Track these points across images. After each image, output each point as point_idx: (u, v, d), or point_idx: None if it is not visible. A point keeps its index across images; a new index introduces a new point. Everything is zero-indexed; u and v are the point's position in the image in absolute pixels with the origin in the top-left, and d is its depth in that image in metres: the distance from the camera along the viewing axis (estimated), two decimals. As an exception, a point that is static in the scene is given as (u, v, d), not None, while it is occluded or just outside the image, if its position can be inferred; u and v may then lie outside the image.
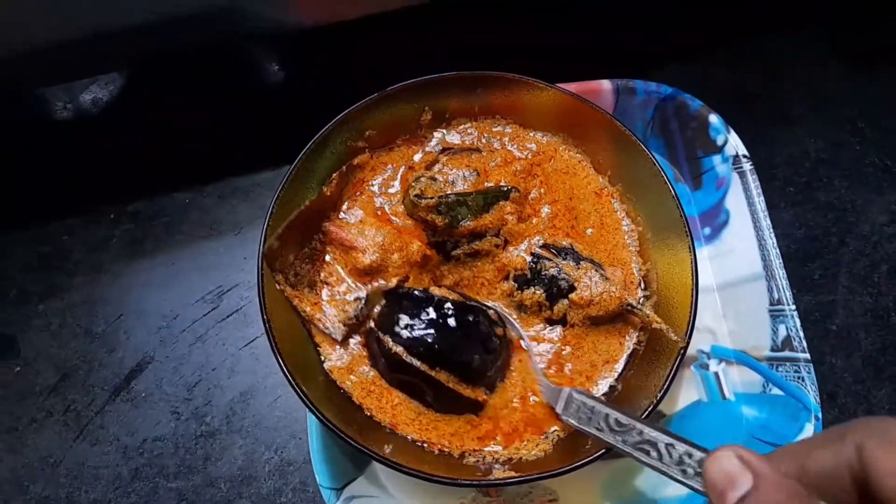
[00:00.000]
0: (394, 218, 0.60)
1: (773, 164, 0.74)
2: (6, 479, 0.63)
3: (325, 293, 0.58)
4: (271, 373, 0.53)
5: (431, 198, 0.58)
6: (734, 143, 0.68)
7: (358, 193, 0.62)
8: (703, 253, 0.68)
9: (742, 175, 0.68)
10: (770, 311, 0.63)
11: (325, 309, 0.57)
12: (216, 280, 0.70)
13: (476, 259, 0.60)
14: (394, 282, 0.57)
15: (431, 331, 0.53)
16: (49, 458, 0.64)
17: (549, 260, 0.57)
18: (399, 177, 0.63)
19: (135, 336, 0.68)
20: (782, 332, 0.62)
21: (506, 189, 0.59)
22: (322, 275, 0.59)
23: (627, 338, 0.58)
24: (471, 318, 0.55)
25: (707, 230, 0.69)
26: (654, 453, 0.44)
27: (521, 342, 0.58)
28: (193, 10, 0.62)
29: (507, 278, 0.59)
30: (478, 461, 0.53)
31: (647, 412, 0.51)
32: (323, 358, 0.56)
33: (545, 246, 0.59)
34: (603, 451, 0.49)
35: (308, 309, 0.56)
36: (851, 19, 0.85)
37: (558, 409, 0.52)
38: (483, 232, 0.59)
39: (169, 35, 0.65)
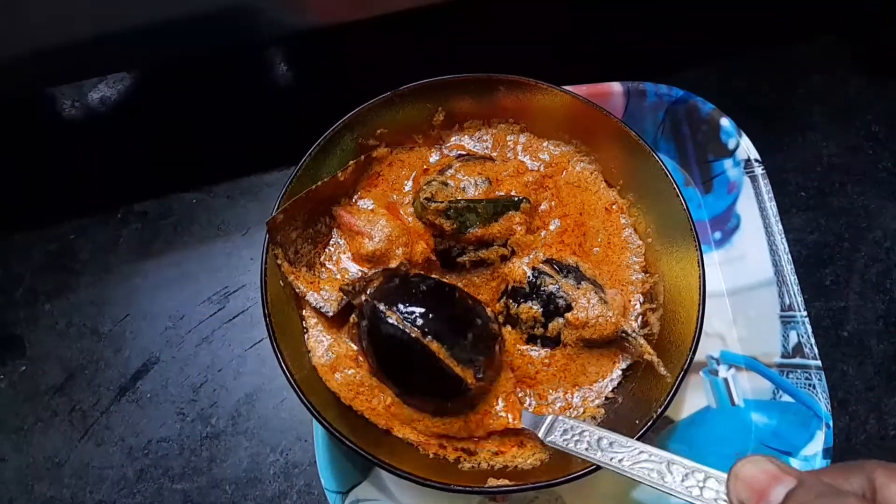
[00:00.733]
0: (404, 216, 0.60)
1: (785, 169, 0.74)
2: (11, 478, 0.63)
3: (324, 275, 0.58)
4: (277, 374, 0.52)
5: (441, 202, 0.57)
6: (746, 147, 0.68)
7: (373, 186, 0.62)
8: (713, 258, 0.67)
9: (754, 179, 0.67)
10: (781, 316, 0.63)
11: (321, 288, 0.57)
12: (223, 281, 0.70)
13: (480, 268, 0.59)
14: (394, 264, 0.57)
15: (430, 303, 0.52)
16: (54, 458, 0.64)
17: (550, 276, 0.57)
18: (412, 177, 0.62)
19: (141, 336, 0.68)
20: (793, 338, 0.61)
21: (516, 199, 0.59)
22: (322, 258, 0.59)
23: (620, 362, 0.57)
24: (470, 302, 0.54)
25: (718, 234, 0.68)
26: (654, 473, 0.44)
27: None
28: (204, 13, 0.62)
29: (505, 291, 0.59)
30: (473, 467, 0.53)
31: (643, 429, 0.50)
32: (310, 354, 0.56)
33: (549, 261, 0.58)
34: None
35: (303, 287, 0.56)
36: (867, 26, 0.84)
37: (540, 435, 0.51)
38: (490, 241, 0.58)
39: (179, 37, 0.65)
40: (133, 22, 0.62)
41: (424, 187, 0.59)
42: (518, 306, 0.57)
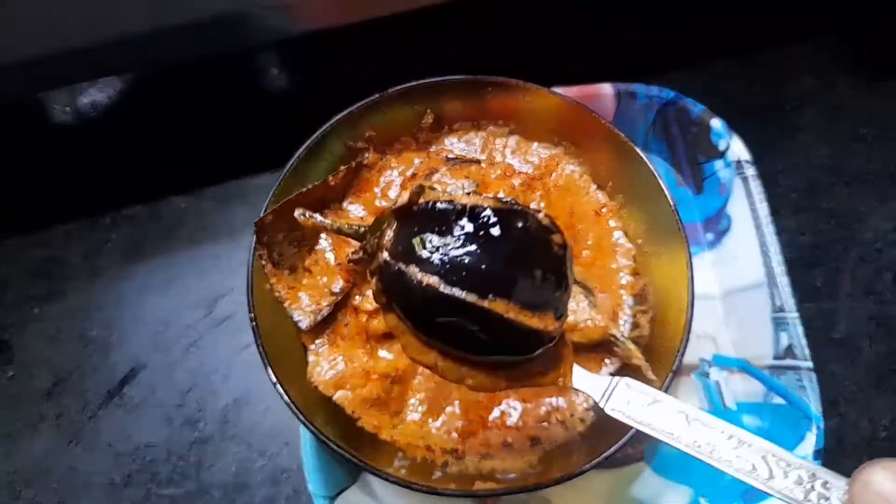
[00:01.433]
0: None
1: (776, 171, 0.73)
2: (-1, 484, 0.63)
3: (305, 280, 0.57)
4: (265, 379, 0.52)
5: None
6: (736, 149, 0.68)
7: (362, 191, 0.62)
8: (705, 259, 0.67)
9: (745, 181, 0.67)
10: (773, 318, 0.62)
11: (300, 295, 0.56)
12: (211, 285, 0.69)
13: None
14: (406, 196, 0.44)
15: (472, 247, 0.39)
16: (42, 464, 0.63)
17: None
18: (400, 183, 0.62)
19: (129, 341, 0.67)
20: (784, 340, 0.61)
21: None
22: (306, 262, 0.58)
23: (606, 368, 0.56)
24: (520, 224, 0.41)
25: (710, 236, 0.68)
26: (745, 464, 0.36)
27: None
28: (196, 20, 0.62)
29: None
30: (461, 470, 0.52)
31: (632, 432, 0.49)
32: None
33: None
34: (589, 466, 0.48)
35: (283, 292, 0.56)
36: (858, 28, 0.84)
37: (599, 402, 0.42)
38: None
39: (172, 44, 0.65)
40: (127, 29, 0.62)
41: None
42: None
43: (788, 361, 0.61)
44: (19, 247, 0.72)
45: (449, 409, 0.54)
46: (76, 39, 0.61)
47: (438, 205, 0.41)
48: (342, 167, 0.59)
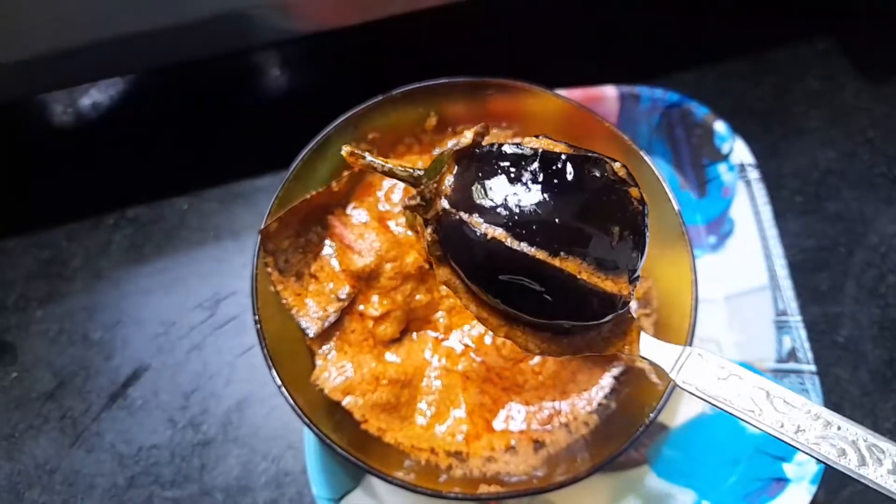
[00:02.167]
0: (395, 227, 0.60)
1: (780, 174, 0.73)
2: (2, 485, 0.62)
3: (311, 287, 0.57)
4: (269, 381, 0.52)
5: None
6: (740, 152, 0.68)
7: (366, 197, 0.62)
8: (708, 262, 0.67)
9: (748, 184, 0.67)
10: (776, 322, 0.62)
11: (307, 302, 0.56)
12: (214, 287, 0.69)
13: None
14: (469, 136, 0.40)
15: (543, 197, 0.35)
16: (45, 465, 0.63)
17: None
18: (403, 187, 0.62)
19: (132, 343, 0.67)
20: (788, 343, 0.61)
21: None
22: (312, 268, 0.58)
23: (612, 369, 0.56)
24: (596, 174, 0.37)
25: (713, 239, 0.68)
26: (850, 453, 0.32)
27: None
28: (196, 20, 0.62)
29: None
30: (465, 473, 0.52)
31: (636, 435, 0.50)
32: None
33: None
34: (593, 469, 0.48)
35: (290, 298, 0.56)
36: (863, 30, 0.84)
37: (671, 373, 0.39)
38: None
39: (172, 44, 0.64)
40: (127, 29, 0.61)
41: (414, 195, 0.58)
42: None
43: (791, 365, 0.61)
44: (21, 248, 0.72)
45: (455, 412, 0.54)
46: (76, 40, 0.61)
47: (505, 148, 0.37)
48: (345, 172, 0.59)
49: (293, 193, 0.57)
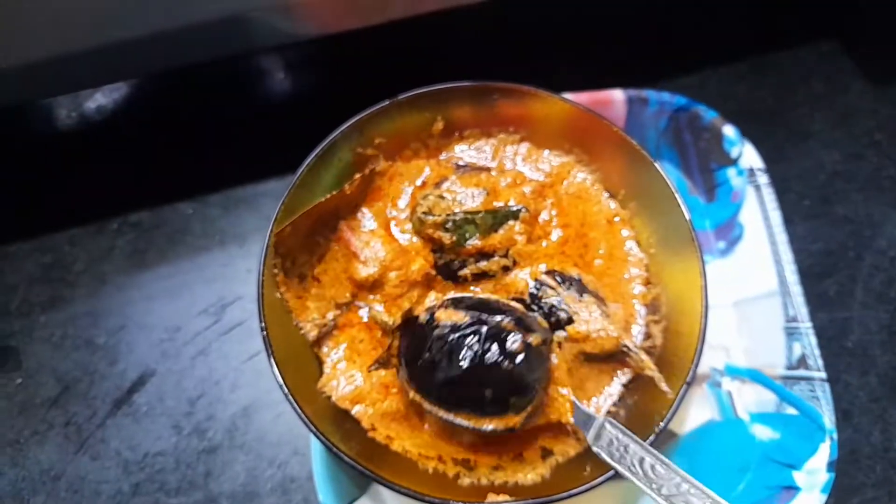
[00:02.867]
0: (400, 235, 0.59)
1: (787, 178, 0.73)
2: (7, 492, 0.62)
3: (313, 290, 0.57)
4: (274, 387, 0.52)
5: (439, 215, 0.57)
6: (749, 156, 0.67)
7: (375, 202, 0.62)
8: (716, 268, 0.66)
9: (757, 189, 0.66)
10: (785, 328, 0.62)
11: (308, 305, 0.56)
12: (219, 292, 0.69)
13: (482, 280, 0.59)
14: (388, 288, 0.56)
15: (440, 372, 0.49)
16: (50, 472, 0.63)
17: (552, 288, 0.56)
18: (410, 192, 0.62)
19: (137, 348, 0.67)
20: (797, 350, 0.61)
21: (515, 209, 0.58)
22: (315, 270, 0.58)
23: (620, 377, 0.56)
24: (476, 347, 0.48)
25: (722, 244, 0.67)
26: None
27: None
28: (200, 23, 0.61)
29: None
30: (473, 482, 0.52)
31: (646, 443, 0.49)
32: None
33: (551, 272, 0.57)
34: (602, 479, 0.48)
35: (291, 300, 0.56)
36: (869, 32, 0.84)
37: (589, 439, 0.49)
38: (490, 252, 0.58)
39: (176, 48, 0.64)
40: (130, 34, 0.61)
41: (421, 202, 0.58)
42: None
43: (802, 372, 0.60)
44: (25, 253, 0.72)
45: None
46: (80, 45, 0.61)
47: (419, 321, 0.51)
48: (357, 175, 0.59)
49: (299, 199, 0.56)
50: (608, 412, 0.55)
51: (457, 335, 0.49)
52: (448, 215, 0.57)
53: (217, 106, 0.79)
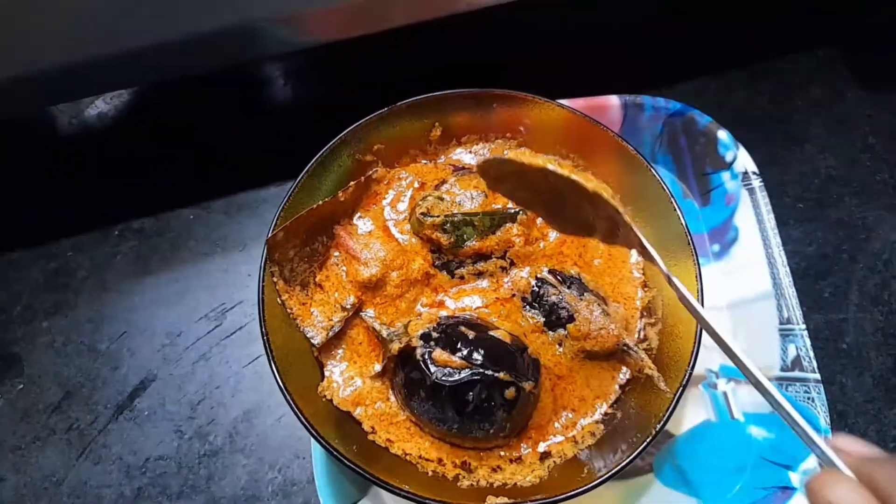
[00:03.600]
0: (400, 235, 0.60)
1: (783, 181, 0.74)
2: (9, 498, 0.63)
3: (316, 296, 0.58)
4: (275, 391, 0.52)
5: (438, 216, 0.58)
6: (743, 160, 0.68)
7: (371, 205, 0.62)
8: (712, 270, 0.67)
9: (751, 192, 0.67)
10: (780, 330, 0.62)
11: (312, 311, 0.57)
12: (220, 297, 0.70)
13: (480, 278, 0.59)
14: (390, 289, 0.57)
15: (437, 413, 0.51)
16: (52, 477, 0.63)
17: (553, 286, 0.57)
18: (409, 194, 0.62)
19: (138, 354, 0.68)
20: (792, 351, 0.61)
21: (513, 211, 0.59)
22: (317, 277, 0.58)
23: (619, 376, 0.57)
24: (472, 398, 0.50)
25: (716, 247, 0.68)
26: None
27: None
28: (202, 34, 0.62)
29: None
30: (472, 484, 0.52)
31: (643, 445, 0.50)
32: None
33: (552, 272, 0.58)
34: (600, 480, 0.49)
35: (295, 308, 0.56)
36: (864, 38, 0.84)
37: None
38: (488, 254, 0.58)
39: (179, 57, 0.65)
40: (133, 44, 0.62)
41: (420, 203, 0.59)
42: (521, 316, 0.57)
43: (796, 373, 0.61)
44: (28, 260, 0.73)
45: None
46: (85, 53, 0.61)
47: (418, 359, 0.52)
48: (352, 182, 0.60)
49: (299, 204, 0.57)
50: (605, 414, 0.56)
51: (454, 384, 0.50)
52: (447, 216, 0.58)
53: (219, 113, 0.80)
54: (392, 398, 0.55)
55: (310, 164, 0.58)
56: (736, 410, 0.62)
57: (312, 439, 0.56)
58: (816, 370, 0.60)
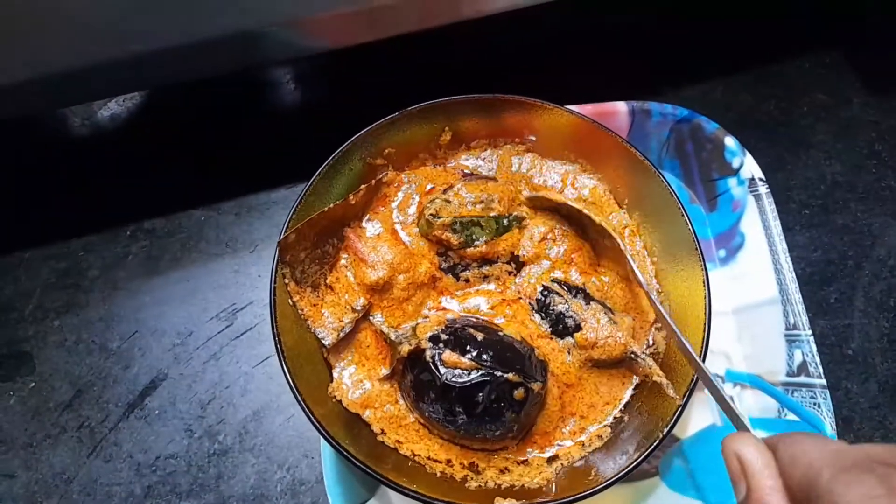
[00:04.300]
0: (407, 238, 0.60)
1: (789, 187, 0.74)
2: (20, 495, 0.63)
3: (327, 297, 0.58)
4: (284, 391, 0.53)
5: (447, 217, 0.58)
6: (750, 166, 0.68)
7: (381, 208, 0.63)
8: (718, 276, 0.67)
9: (758, 198, 0.67)
10: (786, 335, 0.63)
11: (323, 312, 0.57)
12: (231, 298, 0.70)
13: (486, 282, 0.60)
14: (397, 292, 0.58)
15: (447, 415, 0.52)
16: (63, 475, 0.64)
17: (560, 295, 0.57)
18: (417, 198, 0.63)
19: (149, 353, 0.68)
20: (798, 357, 0.62)
21: (521, 216, 0.60)
22: (328, 279, 0.59)
23: (628, 384, 0.57)
24: (482, 399, 0.51)
25: (722, 253, 0.68)
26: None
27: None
28: (212, 38, 0.63)
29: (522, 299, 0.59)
30: (480, 486, 0.53)
31: (650, 449, 0.50)
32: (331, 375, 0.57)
33: (556, 282, 0.58)
34: (607, 483, 0.49)
35: (306, 309, 0.57)
36: (871, 44, 0.85)
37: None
38: (495, 258, 0.59)
39: (188, 61, 0.65)
40: (143, 48, 0.62)
41: (428, 205, 0.59)
42: (528, 318, 0.58)
43: (802, 379, 0.61)
44: (39, 259, 0.73)
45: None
46: (97, 57, 0.62)
47: (427, 361, 0.52)
48: (362, 186, 0.60)
49: (311, 206, 0.58)
50: (614, 418, 0.56)
51: (464, 385, 0.51)
52: (456, 217, 0.58)
53: (230, 115, 0.80)
54: (401, 401, 0.56)
55: (322, 168, 0.58)
56: (742, 415, 0.62)
57: (321, 439, 0.56)
58: (822, 376, 0.61)
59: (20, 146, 0.80)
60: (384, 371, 0.56)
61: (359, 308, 0.57)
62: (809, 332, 0.62)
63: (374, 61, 0.81)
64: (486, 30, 0.77)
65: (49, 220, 0.76)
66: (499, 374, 0.50)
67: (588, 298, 0.57)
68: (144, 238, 0.74)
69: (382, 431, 0.54)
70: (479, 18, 0.68)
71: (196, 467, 0.64)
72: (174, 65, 0.65)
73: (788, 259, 0.65)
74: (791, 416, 0.60)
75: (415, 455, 0.54)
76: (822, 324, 0.67)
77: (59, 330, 0.70)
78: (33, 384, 0.68)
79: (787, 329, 0.63)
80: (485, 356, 0.51)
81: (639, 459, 0.49)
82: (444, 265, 0.60)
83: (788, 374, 0.62)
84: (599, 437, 0.55)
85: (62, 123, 0.81)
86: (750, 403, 0.62)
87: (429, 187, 0.63)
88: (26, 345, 0.69)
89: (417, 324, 0.56)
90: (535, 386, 0.52)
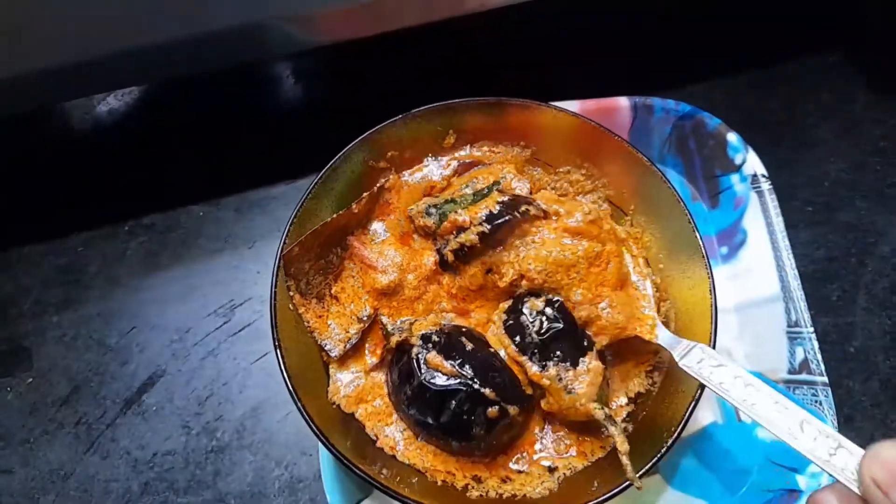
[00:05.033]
0: (412, 239, 0.60)
1: (792, 184, 0.74)
2: (17, 490, 0.63)
3: (333, 308, 0.58)
4: (282, 388, 0.52)
5: (421, 205, 0.59)
6: (752, 163, 0.68)
7: (384, 214, 0.62)
8: (720, 273, 0.67)
9: (760, 195, 0.67)
10: (787, 332, 0.62)
11: (329, 323, 0.57)
12: (229, 294, 0.70)
13: (469, 263, 0.57)
14: (408, 293, 0.58)
15: (418, 413, 0.52)
16: (60, 471, 0.64)
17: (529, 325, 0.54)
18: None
19: (147, 349, 0.68)
20: (800, 354, 0.61)
21: (493, 182, 0.59)
22: (333, 289, 0.58)
23: (631, 388, 0.56)
24: (450, 405, 0.50)
25: (724, 249, 0.68)
26: (784, 426, 0.43)
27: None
28: (214, 32, 0.62)
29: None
30: (481, 495, 0.52)
31: (655, 458, 0.49)
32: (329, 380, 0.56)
33: (547, 304, 0.55)
34: (609, 494, 0.48)
35: (312, 321, 0.56)
36: (874, 42, 0.84)
37: (676, 356, 0.51)
38: (466, 226, 0.55)
39: (190, 55, 0.65)
40: (145, 41, 0.62)
41: (412, 207, 0.60)
42: None
43: (804, 376, 0.61)
44: (38, 255, 0.73)
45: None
46: (98, 51, 0.62)
47: (404, 369, 0.53)
48: (365, 194, 0.59)
49: (311, 210, 0.57)
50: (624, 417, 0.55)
51: (438, 389, 0.51)
52: (429, 204, 0.58)
53: (229, 111, 0.80)
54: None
55: (323, 171, 0.58)
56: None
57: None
58: (824, 373, 0.60)
59: (19, 141, 0.80)
60: (372, 360, 0.56)
61: (365, 318, 0.57)
62: (811, 329, 0.62)
63: (376, 57, 0.81)
64: (488, 26, 0.77)
65: (48, 215, 0.76)
66: (476, 386, 0.50)
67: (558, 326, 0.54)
68: (143, 234, 0.74)
69: (377, 436, 0.54)
70: (482, 13, 0.68)
71: (193, 464, 0.63)
72: (174, 58, 0.64)
73: (791, 256, 0.65)
74: (793, 415, 0.60)
75: (412, 463, 0.53)
76: (824, 321, 0.67)
77: (58, 325, 0.70)
78: (31, 380, 0.68)
79: (788, 326, 0.62)
80: (467, 366, 0.51)
81: (643, 469, 0.49)
82: (439, 253, 0.58)
83: (790, 372, 0.61)
84: (602, 447, 0.54)
85: (62, 118, 0.81)
86: (751, 401, 0.62)
87: (430, 187, 0.63)
88: (25, 340, 0.69)
89: (416, 320, 0.56)
90: (512, 410, 0.51)
